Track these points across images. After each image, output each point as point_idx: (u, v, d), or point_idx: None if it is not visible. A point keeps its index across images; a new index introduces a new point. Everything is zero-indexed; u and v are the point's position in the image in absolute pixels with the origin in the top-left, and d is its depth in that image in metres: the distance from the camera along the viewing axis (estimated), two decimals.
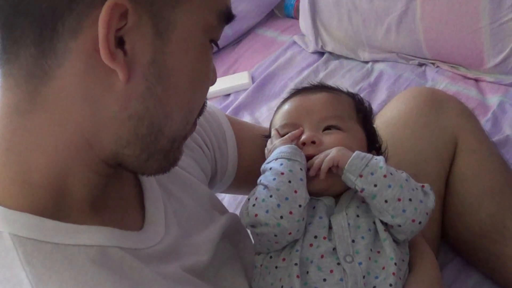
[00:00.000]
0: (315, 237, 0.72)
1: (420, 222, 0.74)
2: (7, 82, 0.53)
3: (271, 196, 0.71)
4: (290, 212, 0.70)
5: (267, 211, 0.71)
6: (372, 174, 0.72)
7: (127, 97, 0.52)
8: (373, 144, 0.85)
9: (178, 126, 0.58)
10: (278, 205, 0.70)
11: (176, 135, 0.59)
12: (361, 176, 0.72)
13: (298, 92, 0.89)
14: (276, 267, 0.73)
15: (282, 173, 0.73)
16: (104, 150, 0.56)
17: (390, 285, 0.70)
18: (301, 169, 0.74)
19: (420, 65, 1.64)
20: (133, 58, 0.51)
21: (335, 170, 0.75)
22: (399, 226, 0.73)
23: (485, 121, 1.37)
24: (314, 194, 0.77)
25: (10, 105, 0.54)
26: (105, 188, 0.60)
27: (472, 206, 0.98)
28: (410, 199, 0.73)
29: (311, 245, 0.72)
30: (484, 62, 1.52)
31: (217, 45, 0.59)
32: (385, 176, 0.72)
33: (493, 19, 1.46)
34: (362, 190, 0.73)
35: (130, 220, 0.63)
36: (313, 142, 0.78)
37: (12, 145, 0.54)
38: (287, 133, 0.82)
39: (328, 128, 0.80)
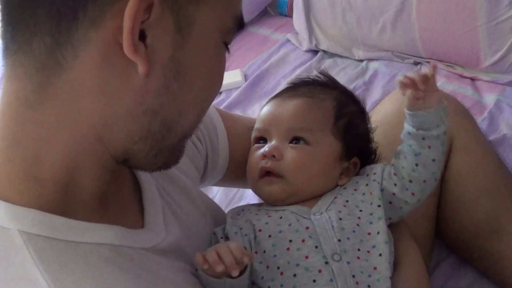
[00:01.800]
0: (290, 241, 0.71)
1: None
2: (15, 72, 0.52)
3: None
4: None
5: None
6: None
7: (143, 91, 0.52)
8: (351, 154, 0.83)
9: (189, 124, 0.58)
10: None
11: (186, 133, 0.59)
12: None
13: (283, 92, 0.88)
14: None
15: None
16: (115, 145, 0.55)
17: None
18: None
19: (416, 63, 1.64)
20: (153, 53, 0.51)
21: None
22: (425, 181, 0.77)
23: (481, 120, 1.37)
24: (277, 204, 0.78)
25: (18, 96, 0.52)
26: (108, 185, 0.59)
27: (467, 204, 0.98)
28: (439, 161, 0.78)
29: (288, 249, 0.71)
30: (481, 61, 1.52)
31: (228, 48, 0.59)
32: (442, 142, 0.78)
33: (490, 18, 1.46)
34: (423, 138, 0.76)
35: (131, 219, 0.63)
36: (274, 156, 0.78)
37: (19, 138, 0.53)
38: (258, 137, 0.83)
39: (295, 138, 0.80)
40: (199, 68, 0.55)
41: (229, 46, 0.59)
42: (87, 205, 0.56)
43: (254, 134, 0.85)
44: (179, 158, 0.62)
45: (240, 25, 0.59)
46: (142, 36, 0.50)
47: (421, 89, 0.73)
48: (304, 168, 0.78)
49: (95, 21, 0.49)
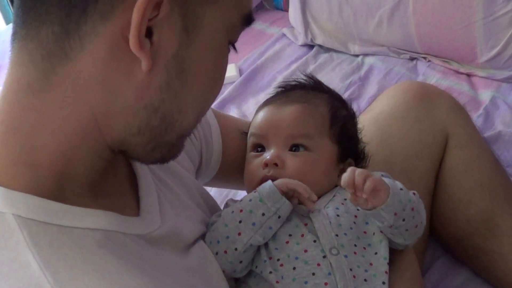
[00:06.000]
0: (290, 235, 0.73)
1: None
2: (21, 57, 0.53)
3: (219, 229, 0.73)
4: (225, 251, 0.72)
5: (210, 242, 0.73)
6: (403, 210, 0.73)
7: (145, 87, 0.53)
8: (346, 156, 0.84)
9: (189, 124, 0.59)
10: (218, 241, 0.72)
11: (185, 131, 0.60)
12: (395, 214, 0.72)
13: (276, 97, 0.88)
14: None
15: (241, 210, 0.73)
16: (113, 136, 0.56)
17: (384, 283, 0.71)
18: (263, 214, 0.72)
19: (411, 59, 1.65)
20: (158, 49, 0.51)
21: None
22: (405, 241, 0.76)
23: (477, 117, 1.38)
24: None
25: (21, 82, 0.53)
26: (103, 174, 0.60)
27: (461, 202, 0.98)
28: (422, 222, 0.76)
29: (287, 242, 0.72)
30: (477, 57, 1.52)
31: (234, 47, 0.60)
32: (412, 209, 0.73)
33: (486, 14, 1.46)
34: (391, 226, 0.73)
35: (127, 207, 0.63)
36: (276, 164, 0.79)
37: (18, 124, 0.53)
38: (255, 144, 0.83)
39: (295, 145, 0.80)
40: (202, 68, 0.55)
41: (235, 44, 0.60)
42: (81, 192, 0.56)
43: (251, 140, 0.84)
44: (177, 154, 0.63)
45: (247, 21, 0.59)
46: (149, 33, 0.50)
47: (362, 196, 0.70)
48: (306, 175, 0.78)
49: (105, 15, 0.49)
